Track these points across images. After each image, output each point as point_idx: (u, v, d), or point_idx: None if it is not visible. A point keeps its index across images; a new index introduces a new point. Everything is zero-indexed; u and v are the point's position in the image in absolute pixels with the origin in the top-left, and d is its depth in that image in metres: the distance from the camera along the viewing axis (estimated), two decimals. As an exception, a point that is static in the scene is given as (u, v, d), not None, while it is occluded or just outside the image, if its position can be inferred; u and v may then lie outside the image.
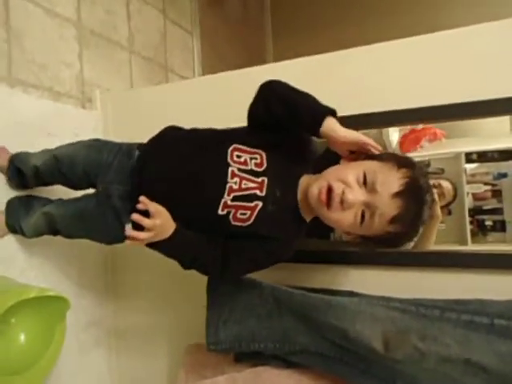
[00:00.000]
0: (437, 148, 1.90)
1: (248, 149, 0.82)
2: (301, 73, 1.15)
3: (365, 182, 0.75)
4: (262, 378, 1.00)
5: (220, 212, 0.80)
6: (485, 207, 2.17)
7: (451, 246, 2.03)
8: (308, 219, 0.86)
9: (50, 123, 1.30)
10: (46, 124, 1.28)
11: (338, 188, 0.74)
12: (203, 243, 0.83)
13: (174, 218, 0.80)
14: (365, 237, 0.80)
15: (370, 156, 0.80)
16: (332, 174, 0.78)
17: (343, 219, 0.76)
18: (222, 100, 1.29)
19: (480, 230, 2.19)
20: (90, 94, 1.55)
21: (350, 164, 0.80)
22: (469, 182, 2.19)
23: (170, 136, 0.91)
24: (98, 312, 1.40)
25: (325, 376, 0.96)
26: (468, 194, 2.16)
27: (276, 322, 0.96)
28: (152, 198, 0.77)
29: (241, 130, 0.87)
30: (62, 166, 0.97)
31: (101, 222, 0.90)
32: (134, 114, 1.49)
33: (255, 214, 0.80)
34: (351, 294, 0.99)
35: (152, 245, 0.79)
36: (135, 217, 0.73)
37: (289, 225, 0.84)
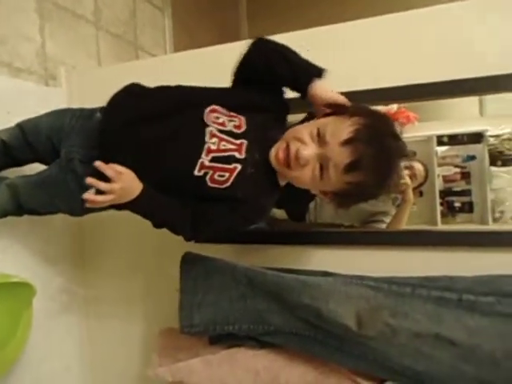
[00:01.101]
0: (409, 131, 1.92)
1: (226, 111, 0.80)
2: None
3: (318, 136, 0.75)
4: (236, 360, 0.99)
5: (196, 173, 0.77)
6: (454, 189, 2.23)
7: (422, 226, 2.09)
8: (282, 184, 0.86)
9: (10, 101, 1.21)
10: (5, 102, 1.19)
11: (293, 146, 0.76)
12: (174, 205, 0.81)
13: (146, 179, 0.78)
14: (335, 193, 0.79)
15: (330, 113, 0.80)
16: (289, 134, 0.79)
17: (303, 176, 0.77)
18: (194, 78, 1.24)
19: (449, 211, 2.25)
20: (54, 70, 1.46)
21: (306, 123, 0.81)
22: (439, 165, 2.24)
23: (136, 93, 0.87)
24: (67, 281, 1.36)
25: (299, 355, 0.96)
26: (438, 176, 2.21)
27: (250, 304, 0.95)
28: (116, 160, 0.75)
29: (220, 90, 0.85)
30: (28, 135, 0.93)
31: (63, 188, 0.86)
32: (101, 92, 1.40)
33: (234, 176, 0.78)
34: (326, 273, 0.99)
35: (118, 206, 0.78)
36: (89, 181, 0.71)
37: (265, 189, 0.84)
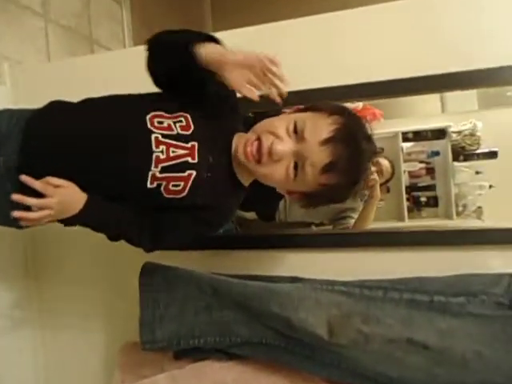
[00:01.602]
0: (375, 128, 1.92)
1: (169, 114, 0.72)
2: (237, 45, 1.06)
3: (295, 132, 0.69)
4: (203, 374, 0.93)
5: (149, 186, 0.70)
6: (419, 184, 2.26)
7: (389, 222, 2.10)
8: (247, 183, 0.79)
9: None
10: None
11: (266, 140, 0.69)
12: (128, 216, 0.74)
13: (96, 192, 0.71)
14: (304, 194, 0.74)
15: (305, 108, 0.75)
16: (261, 127, 0.72)
17: (275, 173, 0.70)
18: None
19: (415, 206, 2.28)
20: (-3, 66, 1.33)
21: (281, 116, 0.75)
22: (405, 161, 2.26)
23: (62, 110, 0.78)
24: (19, 296, 1.25)
25: (269, 365, 0.91)
26: (405, 171, 2.23)
27: (216, 315, 0.89)
28: (49, 172, 0.67)
29: (153, 96, 0.76)
30: None
31: (2, 200, 0.76)
32: (51, 89, 1.28)
33: (189, 184, 0.71)
34: (294, 279, 0.95)
35: (64, 221, 0.71)
36: (15, 197, 0.64)
37: (226, 192, 0.77)
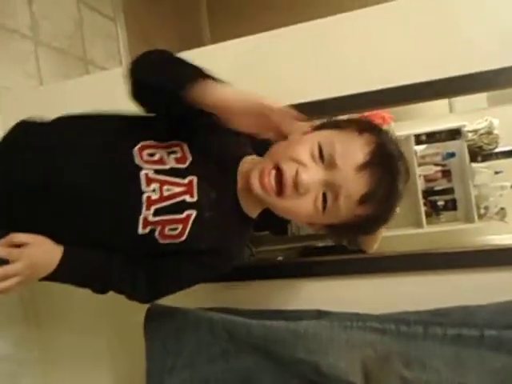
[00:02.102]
0: (386, 132, 1.81)
1: (160, 143, 0.61)
2: (235, 57, 0.97)
3: (321, 156, 0.58)
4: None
5: (141, 231, 0.59)
6: (436, 188, 2.14)
7: (407, 229, 1.98)
8: (254, 215, 0.68)
9: None
10: None
11: (289, 168, 0.57)
12: (117, 265, 0.64)
13: (76, 243, 0.60)
14: (331, 226, 0.63)
15: (325, 125, 0.64)
16: (279, 152, 0.60)
17: (300, 207, 0.59)
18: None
19: (433, 211, 2.16)
20: (-16, 94, 1.25)
21: (300, 138, 0.62)
22: (419, 164, 2.14)
23: (32, 133, 0.66)
24: (19, 343, 1.15)
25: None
26: (420, 176, 2.12)
27: (233, 362, 0.78)
28: (19, 218, 0.58)
29: (141, 119, 0.65)
30: None
31: None
32: (45, 115, 1.23)
33: (189, 226, 0.60)
34: (319, 313, 0.83)
35: (44, 279, 0.60)
36: None
37: (233, 230, 0.66)
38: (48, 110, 1.19)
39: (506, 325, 0.71)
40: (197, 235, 0.61)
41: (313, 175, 0.57)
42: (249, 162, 0.66)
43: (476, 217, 2.00)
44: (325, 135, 0.60)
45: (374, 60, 0.92)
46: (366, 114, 1.81)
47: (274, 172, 0.58)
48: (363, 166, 0.56)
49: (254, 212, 0.68)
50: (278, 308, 0.90)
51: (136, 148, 0.59)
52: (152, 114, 0.66)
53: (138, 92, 0.58)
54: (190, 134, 0.63)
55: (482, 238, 2.05)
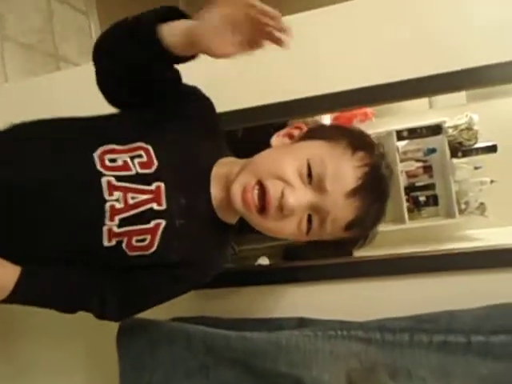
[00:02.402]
0: (368, 128, 1.79)
1: (123, 147, 0.55)
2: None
3: (310, 175, 0.54)
4: None
5: (106, 244, 0.54)
6: (418, 184, 2.14)
7: (389, 225, 1.97)
8: (234, 220, 0.64)
9: None
10: None
11: (274, 188, 0.53)
12: (83, 282, 0.58)
13: (35, 261, 0.55)
14: (315, 242, 0.61)
15: (314, 134, 0.59)
16: (262, 166, 0.56)
17: (283, 228, 0.56)
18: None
19: (415, 207, 2.16)
20: None
21: (287, 148, 0.59)
22: (401, 161, 2.14)
23: None
24: None
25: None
26: (402, 172, 2.11)
27: (213, 376, 0.73)
28: None
29: (102, 120, 0.60)
30: None
31: None
32: (9, 114, 1.14)
33: (158, 237, 0.55)
34: (301, 321, 0.80)
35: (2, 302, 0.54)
36: None
37: (208, 239, 0.61)
38: (14, 108, 1.12)
39: (493, 330, 0.69)
40: (167, 246, 0.56)
41: (300, 198, 0.53)
42: (225, 163, 0.61)
43: (457, 212, 2.01)
44: (315, 150, 0.56)
45: (352, 58, 0.89)
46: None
47: (257, 188, 0.54)
48: (354, 193, 0.53)
49: (232, 219, 0.63)
50: (259, 315, 0.86)
51: (96, 153, 0.54)
52: (117, 112, 0.61)
53: (109, 75, 0.56)
54: (157, 134, 0.57)
55: (463, 233, 2.07)
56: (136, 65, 0.53)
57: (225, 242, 0.65)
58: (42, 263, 0.56)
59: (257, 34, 0.45)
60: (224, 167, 0.60)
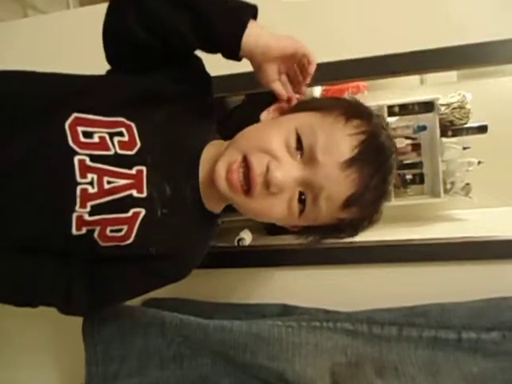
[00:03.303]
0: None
1: (102, 118, 0.46)
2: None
3: (299, 148, 0.47)
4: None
5: (75, 232, 0.46)
6: (405, 161, 2.09)
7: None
8: (219, 210, 0.57)
9: None
10: None
11: (258, 162, 0.46)
12: (46, 272, 0.51)
13: None
14: (307, 227, 0.54)
15: (303, 106, 0.52)
16: (247, 141, 0.49)
17: (271, 209, 0.48)
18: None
19: (401, 185, 2.12)
20: None
21: (274, 121, 0.52)
22: (391, 137, 2.07)
23: None
24: None
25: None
26: (390, 149, 2.04)
27: (188, 365, 0.68)
28: None
29: (82, 80, 0.50)
30: None
31: None
32: None
33: (135, 227, 0.48)
34: (284, 308, 0.75)
35: None
36: None
37: (192, 232, 0.54)
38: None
39: (484, 326, 0.65)
40: (146, 238, 0.49)
41: (288, 172, 0.45)
42: (213, 147, 0.53)
43: (442, 191, 1.99)
44: (304, 120, 0.48)
45: (348, 29, 0.80)
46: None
47: (243, 165, 0.46)
48: (350, 163, 0.45)
49: (217, 208, 0.56)
50: (239, 299, 0.81)
51: (68, 121, 0.44)
52: (98, 74, 0.51)
53: (139, 20, 0.47)
54: (143, 110, 0.48)
55: (447, 213, 2.06)
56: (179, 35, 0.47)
57: (208, 235, 0.57)
58: (1, 252, 0.48)
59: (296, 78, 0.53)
60: (212, 151, 0.52)
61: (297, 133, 0.46)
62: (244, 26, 0.46)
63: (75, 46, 0.96)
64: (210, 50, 0.49)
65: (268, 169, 0.45)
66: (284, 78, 0.53)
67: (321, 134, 0.46)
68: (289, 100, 0.53)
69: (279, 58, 0.50)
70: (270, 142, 0.46)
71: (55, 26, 1.03)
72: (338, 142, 0.46)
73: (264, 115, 0.54)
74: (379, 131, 0.49)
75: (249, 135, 0.49)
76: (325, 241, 0.54)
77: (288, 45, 0.49)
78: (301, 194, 0.47)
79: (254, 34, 0.47)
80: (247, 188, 0.46)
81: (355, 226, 0.51)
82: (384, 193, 0.49)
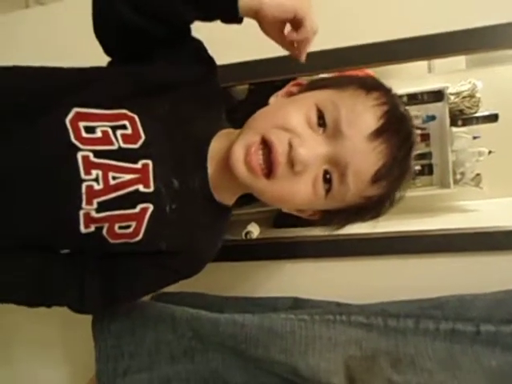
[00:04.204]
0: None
1: (104, 111, 0.44)
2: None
3: (321, 124, 0.45)
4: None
5: (84, 230, 0.45)
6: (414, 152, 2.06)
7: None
8: (230, 202, 0.55)
9: None
10: None
11: (279, 140, 0.43)
12: (58, 272, 0.50)
13: None
14: (328, 211, 0.51)
15: (318, 84, 0.50)
16: (264, 120, 0.47)
17: (296, 191, 0.45)
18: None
19: (410, 175, 2.09)
20: None
21: (289, 99, 0.50)
22: (399, 127, 2.04)
23: None
24: None
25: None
26: (399, 139, 2.01)
27: (199, 359, 0.67)
28: None
29: (82, 73, 0.48)
30: None
31: None
32: None
33: (145, 223, 0.46)
34: (295, 301, 0.73)
35: None
36: None
37: (203, 226, 0.52)
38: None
39: (504, 318, 0.63)
40: (156, 234, 0.47)
41: (313, 148, 0.43)
42: (224, 135, 0.51)
43: (452, 182, 1.95)
44: (322, 95, 0.46)
45: (354, 16, 0.77)
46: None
47: (261, 147, 0.44)
48: (377, 134, 0.43)
49: (230, 200, 0.54)
50: (249, 293, 0.80)
51: (69, 117, 0.43)
52: (99, 66, 0.49)
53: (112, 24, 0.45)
54: (146, 101, 0.46)
55: (457, 204, 2.02)
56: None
57: (221, 229, 0.56)
58: (11, 252, 0.47)
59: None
60: (223, 140, 0.50)
61: (317, 108, 0.44)
62: None
63: (77, 36, 0.95)
64: (206, 15, 0.45)
65: (291, 146, 0.42)
66: (290, 35, 0.46)
67: (343, 107, 0.44)
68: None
69: (279, 18, 0.44)
70: (290, 119, 0.44)
71: (56, 16, 1.01)
72: (362, 113, 0.44)
73: (273, 100, 0.52)
74: (398, 102, 0.48)
75: (265, 115, 0.47)
76: (345, 226, 0.52)
77: (283, 7, 0.43)
78: (326, 172, 0.45)
79: None
80: (268, 171, 0.44)
81: (380, 206, 0.49)
82: (409, 167, 0.48)
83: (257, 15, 0.43)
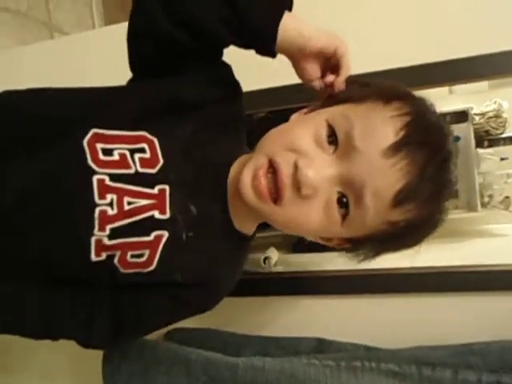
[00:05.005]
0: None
1: (123, 133, 0.42)
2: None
3: (332, 142, 0.41)
4: None
5: (94, 258, 0.42)
6: (438, 174, 2.00)
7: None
8: (250, 232, 0.51)
9: None
10: None
11: (285, 163, 0.40)
12: (64, 303, 0.47)
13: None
14: (355, 239, 0.46)
15: (330, 101, 0.46)
16: (272, 142, 0.44)
17: (306, 217, 0.42)
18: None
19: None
20: None
21: (301, 118, 0.47)
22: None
23: None
24: None
25: None
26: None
27: (215, 407, 0.62)
28: None
29: (102, 93, 0.46)
30: None
31: None
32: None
33: (158, 252, 0.43)
34: (320, 344, 0.68)
35: None
36: None
37: (221, 256, 0.49)
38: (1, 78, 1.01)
39: None
40: (170, 263, 0.44)
41: (320, 169, 0.39)
42: (242, 161, 0.48)
43: (479, 205, 1.87)
44: (334, 111, 0.42)
45: (379, 41, 0.74)
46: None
47: (270, 171, 0.40)
48: (395, 148, 0.38)
49: (249, 228, 0.50)
50: (269, 331, 0.75)
51: (87, 138, 0.41)
52: (119, 86, 0.47)
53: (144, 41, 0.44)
54: (166, 124, 0.44)
55: (485, 228, 1.93)
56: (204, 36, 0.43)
57: (240, 260, 0.52)
58: (16, 282, 0.44)
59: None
60: (241, 165, 0.47)
61: (328, 124, 0.40)
62: (280, 16, 0.41)
63: (101, 65, 0.95)
64: (243, 42, 0.44)
65: (297, 167, 0.39)
66: (330, 77, 0.46)
67: (357, 120, 0.39)
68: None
69: (318, 54, 0.43)
70: (296, 138, 0.41)
71: (80, 46, 1.03)
72: (379, 125, 0.39)
73: (294, 117, 0.49)
74: (426, 110, 0.42)
75: (275, 135, 0.44)
76: (374, 258, 0.47)
77: (328, 42, 0.43)
78: (341, 195, 0.40)
79: (291, 26, 0.41)
80: (277, 195, 0.40)
81: (411, 233, 0.43)
82: (444, 184, 0.41)
83: (299, 52, 0.43)
